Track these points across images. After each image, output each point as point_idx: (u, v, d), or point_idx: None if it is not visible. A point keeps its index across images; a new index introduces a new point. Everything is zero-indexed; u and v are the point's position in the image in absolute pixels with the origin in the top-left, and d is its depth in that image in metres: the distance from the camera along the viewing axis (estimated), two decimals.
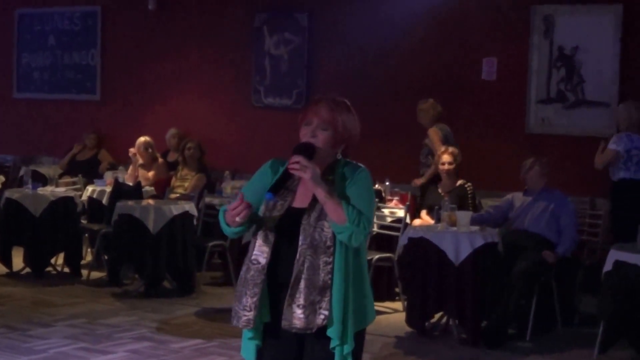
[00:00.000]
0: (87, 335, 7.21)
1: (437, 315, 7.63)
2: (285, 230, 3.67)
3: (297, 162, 3.60)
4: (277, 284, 3.67)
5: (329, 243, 3.63)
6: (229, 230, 3.77)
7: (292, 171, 3.62)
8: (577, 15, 9.70)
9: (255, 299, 3.65)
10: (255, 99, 11.64)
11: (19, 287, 9.03)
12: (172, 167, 10.81)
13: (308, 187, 3.66)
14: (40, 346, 6.87)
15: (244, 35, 11.71)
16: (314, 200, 3.66)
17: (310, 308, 3.59)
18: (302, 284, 3.60)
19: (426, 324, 7.49)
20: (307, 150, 3.66)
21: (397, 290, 8.48)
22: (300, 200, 3.72)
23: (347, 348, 3.65)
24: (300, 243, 3.63)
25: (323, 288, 3.60)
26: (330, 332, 3.62)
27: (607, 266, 6.80)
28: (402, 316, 7.74)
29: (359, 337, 3.73)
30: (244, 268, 3.74)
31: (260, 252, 3.69)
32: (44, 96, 13.38)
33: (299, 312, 3.59)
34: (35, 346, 6.86)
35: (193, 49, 12.09)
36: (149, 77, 12.44)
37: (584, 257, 8.36)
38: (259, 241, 3.71)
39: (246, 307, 3.67)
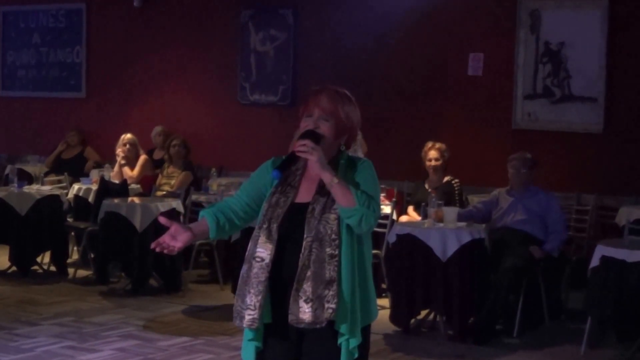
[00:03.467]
0: (74, 334, 7.18)
1: (424, 312, 7.63)
2: (289, 226, 3.58)
3: (304, 145, 3.54)
4: (280, 281, 3.57)
5: (334, 236, 3.54)
6: None
7: (299, 154, 3.55)
8: (564, 10, 9.71)
9: (260, 297, 3.53)
10: (241, 96, 11.62)
11: (5, 286, 8.98)
12: (158, 164, 10.78)
13: (313, 172, 3.59)
14: (27, 345, 6.84)
15: (229, 32, 11.69)
16: (318, 193, 3.60)
17: (318, 302, 3.48)
18: (309, 278, 3.50)
19: (412, 320, 7.48)
20: (314, 137, 3.60)
21: (384, 286, 8.47)
22: (303, 196, 3.64)
23: (354, 342, 3.55)
24: (305, 236, 3.54)
25: (329, 281, 3.50)
26: (338, 326, 3.53)
27: (594, 262, 6.80)
28: (388, 313, 7.73)
29: (365, 334, 3.63)
30: (245, 267, 3.61)
31: (263, 248, 3.57)
32: (29, 94, 13.34)
33: (306, 307, 3.48)
34: (22, 345, 6.83)
35: (178, 46, 12.06)
36: (135, 74, 12.41)
37: (571, 253, 8.37)
38: (262, 238, 3.59)
39: (250, 305, 3.54)
